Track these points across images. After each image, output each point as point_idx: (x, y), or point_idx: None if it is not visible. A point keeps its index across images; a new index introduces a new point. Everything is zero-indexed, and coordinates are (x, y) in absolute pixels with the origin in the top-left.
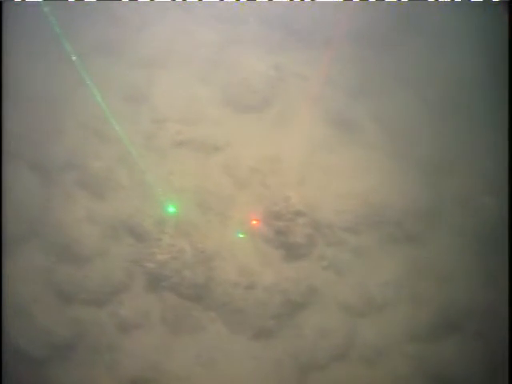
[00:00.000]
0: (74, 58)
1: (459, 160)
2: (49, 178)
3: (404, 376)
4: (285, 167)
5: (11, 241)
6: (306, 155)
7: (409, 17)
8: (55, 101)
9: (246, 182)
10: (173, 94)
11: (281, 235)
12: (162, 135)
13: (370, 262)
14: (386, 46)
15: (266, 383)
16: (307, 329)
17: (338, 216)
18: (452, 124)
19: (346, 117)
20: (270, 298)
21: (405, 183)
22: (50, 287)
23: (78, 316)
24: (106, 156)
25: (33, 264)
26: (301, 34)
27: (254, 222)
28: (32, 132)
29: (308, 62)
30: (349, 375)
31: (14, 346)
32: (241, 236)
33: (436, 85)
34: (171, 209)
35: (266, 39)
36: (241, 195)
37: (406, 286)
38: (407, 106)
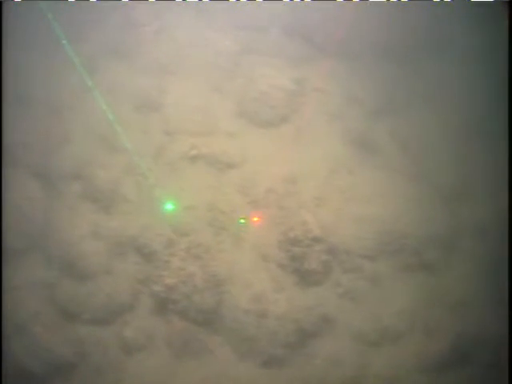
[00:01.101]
0: (77, 61)
1: (479, 187)
2: (53, 188)
3: None
4: (302, 188)
5: (11, 253)
6: (325, 176)
7: (434, 33)
8: (61, 106)
9: (261, 202)
10: (186, 104)
11: (296, 261)
12: (174, 148)
13: (386, 291)
14: (411, 62)
15: None
16: (319, 358)
17: (356, 242)
18: (473, 149)
19: (367, 137)
20: (282, 326)
21: (424, 210)
22: (51, 304)
23: (80, 335)
24: (114, 167)
25: (34, 278)
26: (323, 46)
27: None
28: (36, 139)
29: (330, 76)
30: None
31: (14, 363)
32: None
33: (459, 106)
34: (181, 228)
35: (286, 50)
36: (256, 217)
37: (420, 316)
38: (429, 128)
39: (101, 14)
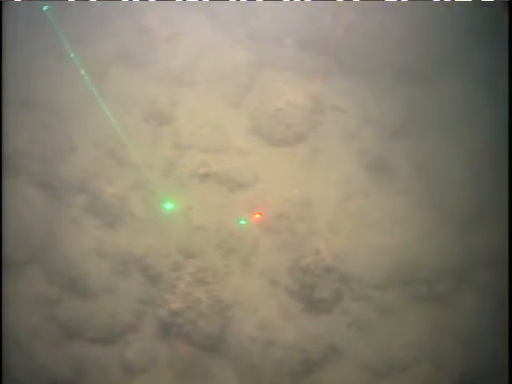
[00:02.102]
0: (85, 66)
1: (493, 215)
2: (57, 199)
3: None
4: (315, 212)
5: (11, 264)
6: (339, 200)
7: (453, 54)
8: (67, 114)
9: (272, 225)
10: (198, 117)
11: (306, 289)
12: (184, 164)
13: (395, 321)
14: (429, 83)
15: None
16: None
17: (367, 271)
18: (488, 175)
19: (383, 159)
20: (289, 355)
21: (437, 238)
22: (52, 320)
23: (80, 353)
24: (121, 182)
25: (34, 293)
26: (342, 62)
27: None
28: (40, 147)
29: (348, 94)
30: None
31: (12, 379)
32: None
33: (477, 130)
34: (189, 249)
35: (303, 63)
36: (266, 240)
37: (428, 347)
38: (446, 151)
39: (109, 18)
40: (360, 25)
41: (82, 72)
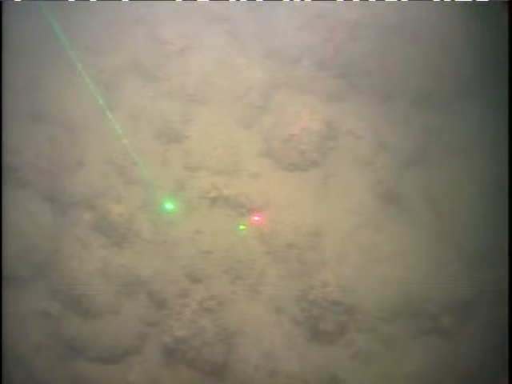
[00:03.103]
0: (95, 76)
1: (500, 250)
2: (63, 215)
3: None
4: (325, 242)
5: (14, 280)
6: (350, 230)
7: (471, 81)
8: (76, 126)
9: (281, 254)
10: (210, 138)
11: (312, 320)
12: (193, 185)
13: (399, 353)
14: (447, 111)
15: None
16: None
17: (374, 303)
18: (501, 209)
19: (396, 189)
20: None
21: (446, 273)
22: (54, 338)
23: (81, 373)
24: (129, 201)
25: (37, 309)
26: (358, 86)
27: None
28: (48, 160)
29: (363, 119)
30: None
31: None
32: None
33: (493, 161)
34: (195, 273)
35: (320, 86)
36: (274, 269)
37: (431, 380)
38: (461, 182)
39: (122, 27)
40: (378, 49)
41: (93, 83)
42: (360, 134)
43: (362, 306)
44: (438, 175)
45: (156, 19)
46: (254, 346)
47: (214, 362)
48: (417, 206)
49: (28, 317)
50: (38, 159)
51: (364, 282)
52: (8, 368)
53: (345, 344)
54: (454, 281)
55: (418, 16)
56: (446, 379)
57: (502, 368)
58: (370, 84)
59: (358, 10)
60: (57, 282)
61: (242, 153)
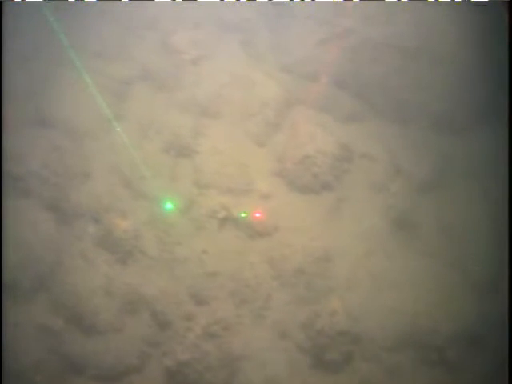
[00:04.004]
0: (104, 82)
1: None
2: (67, 227)
3: None
4: (334, 268)
5: (16, 292)
6: (360, 256)
7: (489, 105)
8: (83, 135)
9: (288, 279)
10: (221, 154)
11: (317, 348)
12: (202, 204)
13: (403, 383)
14: (464, 135)
15: None
16: None
17: (381, 332)
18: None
19: (409, 215)
20: None
21: (455, 305)
22: (54, 353)
23: None
24: (135, 216)
25: (38, 323)
26: (376, 107)
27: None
28: (53, 169)
29: (378, 141)
30: None
31: None
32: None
33: (504, 188)
34: (201, 294)
35: (336, 105)
36: (281, 294)
37: None
38: (473, 211)
39: (134, 33)
40: (398, 70)
41: (101, 91)
42: (375, 157)
43: (368, 335)
44: (452, 202)
45: (168, 26)
46: (258, 371)
47: None
48: (429, 233)
49: (28, 330)
50: (43, 169)
51: (371, 311)
52: (8, 381)
53: (349, 372)
54: (462, 312)
55: (439, 39)
56: None
57: None
58: (388, 105)
59: (379, 30)
60: (58, 296)
61: (253, 171)
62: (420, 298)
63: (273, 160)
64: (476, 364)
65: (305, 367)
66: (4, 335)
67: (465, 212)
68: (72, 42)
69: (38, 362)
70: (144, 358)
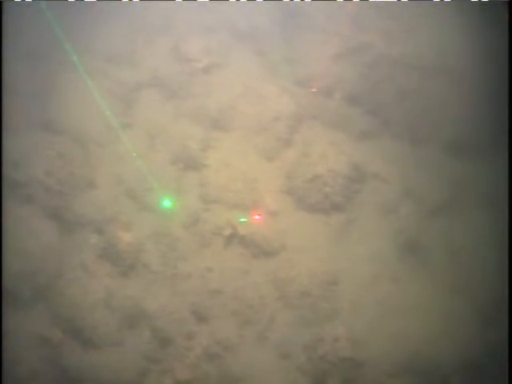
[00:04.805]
0: (112, 87)
1: None
2: (70, 237)
3: None
4: (340, 291)
5: (15, 301)
6: (366, 280)
7: (504, 129)
8: (88, 142)
9: (293, 301)
10: (229, 168)
11: (319, 371)
12: (208, 219)
13: None
14: (478, 160)
15: None
16: None
17: (384, 358)
18: None
19: (418, 240)
20: None
21: (461, 332)
22: (52, 364)
23: None
24: (139, 228)
25: (37, 332)
26: (390, 126)
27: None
28: (57, 177)
29: (391, 162)
30: None
31: None
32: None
33: None
34: (203, 312)
35: (350, 122)
36: (284, 316)
37: None
38: (483, 236)
39: (145, 38)
40: (415, 89)
41: (109, 96)
42: (387, 179)
43: (371, 361)
44: (462, 228)
45: (181, 31)
46: None
47: None
48: (436, 258)
49: (26, 340)
50: (47, 177)
51: (375, 336)
52: None
53: None
54: (467, 340)
55: (458, 60)
56: None
57: None
58: (403, 125)
59: (398, 48)
60: (58, 307)
61: (261, 187)
62: (425, 325)
63: (282, 177)
64: None
65: None
66: (3, 344)
67: (474, 238)
68: (81, 44)
69: (35, 373)
70: (143, 375)
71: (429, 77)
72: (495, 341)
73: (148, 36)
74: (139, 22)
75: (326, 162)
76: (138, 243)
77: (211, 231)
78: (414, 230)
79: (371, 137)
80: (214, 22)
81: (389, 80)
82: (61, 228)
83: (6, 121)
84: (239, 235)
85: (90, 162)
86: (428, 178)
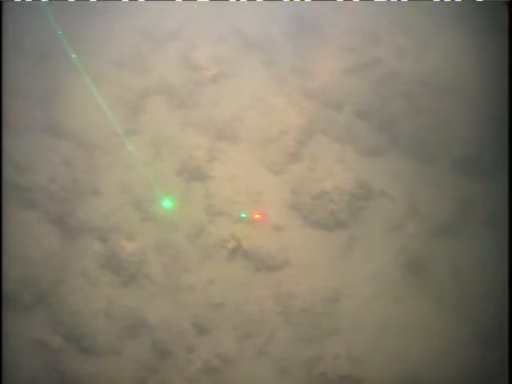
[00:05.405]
0: (120, 93)
1: None
2: (72, 246)
3: None
4: (341, 308)
5: (16, 306)
6: (368, 298)
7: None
8: (94, 148)
9: (294, 317)
10: (235, 180)
11: None
12: (212, 232)
13: None
14: (485, 179)
15: None
16: None
17: (383, 377)
18: None
19: (422, 259)
20: None
21: (460, 354)
22: (51, 370)
23: None
24: (143, 238)
25: (37, 338)
26: (398, 143)
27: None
28: (61, 184)
29: (398, 179)
30: None
31: None
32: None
33: None
34: (204, 324)
35: (358, 137)
36: (285, 331)
37: None
38: (487, 256)
39: (154, 45)
40: (426, 107)
41: (116, 102)
42: (393, 196)
43: (369, 380)
44: (466, 248)
45: (190, 38)
46: None
47: None
48: (439, 278)
49: (26, 344)
50: (51, 183)
51: (375, 355)
52: None
53: None
54: (467, 361)
55: (470, 79)
56: None
57: None
58: (412, 142)
59: (410, 65)
60: (58, 314)
61: (266, 201)
62: (425, 346)
63: (288, 191)
64: None
65: None
66: (3, 349)
67: (478, 260)
68: (88, 46)
69: (35, 378)
70: (142, 383)
71: (439, 95)
72: (495, 363)
73: (158, 42)
74: (149, 26)
75: (333, 178)
76: (141, 253)
77: (215, 243)
78: (418, 250)
79: (379, 153)
80: (225, 30)
81: (399, 96)
82: (63, 234)
83: (12, 123)
84: (243, 249)
85: (94, 168)
86: (434, 196)
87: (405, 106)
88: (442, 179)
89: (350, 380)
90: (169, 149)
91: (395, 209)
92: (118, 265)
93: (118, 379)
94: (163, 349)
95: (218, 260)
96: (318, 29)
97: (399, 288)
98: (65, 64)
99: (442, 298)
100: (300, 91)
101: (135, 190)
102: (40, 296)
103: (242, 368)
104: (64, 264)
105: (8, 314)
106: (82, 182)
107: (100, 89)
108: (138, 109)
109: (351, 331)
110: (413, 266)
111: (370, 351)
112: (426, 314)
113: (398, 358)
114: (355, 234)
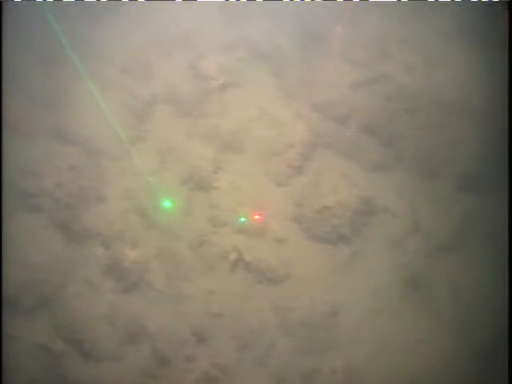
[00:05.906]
0: (128, 100)
1: None
2: (75, 251)
3: None
4: (340, 323)
5: (18, 309)
6: (367, 314)
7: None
8: (100, 154)
9: (293, 330)
10: (239, 191)
11: None
12: (215, 242)
13: None
14: (488, 196)
15: None
16: None
17: None
18: None
19: (422, 276)
20: None
21: (459, 370)
22: (52, 373)
23: None
24: (146, 246)
25: (38, 341)
26: (403, 159)
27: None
28: (66, 190)
29: (401, 195)
30: None
31: None
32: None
33: None
34: (204, 334)
35: (363, 152)
36: (284, 343)
37: None
38: (488, 275)
39: (163, 52)
40: (432, 124)
41: (123, 109)
42: (396, 213)
43: None
44: (467, 266)
45: (199, 46)
46: None
47: None
48: (438, 294)
49: (28, 347)
50: (57, 188)
51: (372, 371)
52: None
53: None
54: (464, 377)
55: (476, 96)
56: None
57: None
58: (417, 159)
59: (418, 81)
60: (60, 318)
61: (269, 213)
62: (423, 363)
63: (291, 204)
64: None
65: None
66: (3, 352)
67: (478, 277)
68: (95, 52)
69: (35, 382)
70: None
71: (446, 112)
72: (494, 379)
73: (166, 49)
74: (158, 33)
75: (337, 194)
76: (144, 261)
77: (217, 254)
78: (419, 266)
79: (383, 169)
80: (234, 40)
81: (406, 113)
82: (67, 240)
83: (18, 127)
84: (245, 260)
85: (100, 175)
86: (438, 213)
87: (411, 122)
88: (444, 196)
89: None
90: (174, 157)
91: (397, 225)
92: (120, 271)
93: (118, 383)
94: (163, 356)
95: (219, 271)
96: (327, 42)
97: (399, 304)
98: (70, 68)
99: (441, 315)
100: (307, 104)
101: (140, 198)
102: (43, 300)
103: (240, 378)
104: (67, 269)
105: (10, 318)
106: (87, 189)
107: (107, 95)
108: (144, 116)
109: (350, 346)
110: (412, 282)
111: (367, 366)
112: (425, 330)
113: (395, 374)
114: (356, 249)
